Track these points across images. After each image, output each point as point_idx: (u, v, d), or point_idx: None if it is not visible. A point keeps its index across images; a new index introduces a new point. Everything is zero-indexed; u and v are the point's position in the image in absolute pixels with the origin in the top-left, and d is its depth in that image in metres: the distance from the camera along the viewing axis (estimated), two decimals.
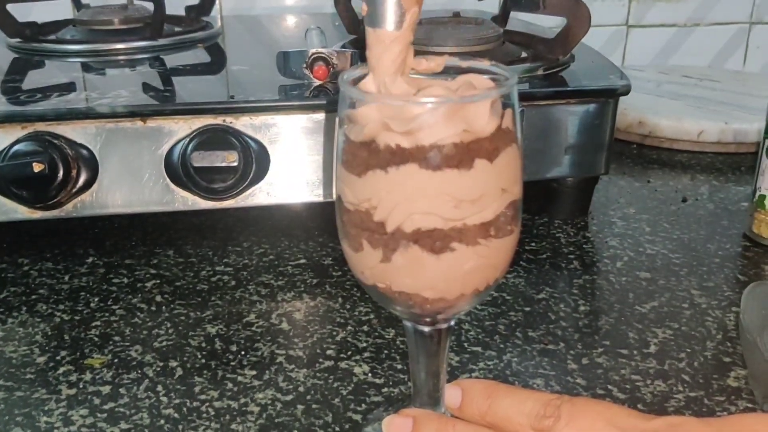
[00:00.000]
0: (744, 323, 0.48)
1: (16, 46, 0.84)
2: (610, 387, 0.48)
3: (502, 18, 0.83)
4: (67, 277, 0.62)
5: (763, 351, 0.45)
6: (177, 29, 0.90)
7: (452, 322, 0.40)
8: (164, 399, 0.47)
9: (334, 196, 0.38)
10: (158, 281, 0.61)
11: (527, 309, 0.57)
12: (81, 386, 0.49)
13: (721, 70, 1.17)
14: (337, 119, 0.37)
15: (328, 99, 0.62)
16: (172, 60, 0.78)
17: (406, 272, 0.36)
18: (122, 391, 0.48)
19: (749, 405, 0.46)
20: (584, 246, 0.67)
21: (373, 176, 0.34)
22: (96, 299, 0.59)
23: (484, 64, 0.37)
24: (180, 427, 0.45)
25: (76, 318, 0.56)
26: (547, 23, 0.87)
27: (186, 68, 0.77)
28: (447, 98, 0.33)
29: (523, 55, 0.74)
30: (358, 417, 0.46)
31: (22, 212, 0.61)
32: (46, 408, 0.46)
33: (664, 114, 0.91)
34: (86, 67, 0.77)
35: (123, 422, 0.45)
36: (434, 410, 0.43)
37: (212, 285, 0.61)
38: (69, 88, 0.67)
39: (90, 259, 0.65)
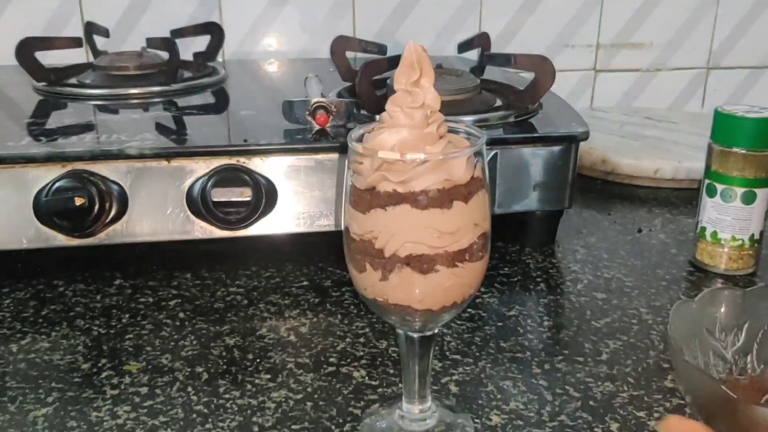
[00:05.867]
0: (671, 333, 0.58)
1: (41, 90, 0.94)
2: (567, 387, 0.58)
3: (479, 69, 0.94)
4: (99, 297, 0.71)
5: (687, 356, 0.54)
6: (186, 74, 1.00)
7: (436, 330, 0.50)
8: (194, 398, 0.56)
9: (343, 228, 0.47)
10: (180, 300, 0.70)
11: (500, 324, 0.67)
12: (122, 387, 0.57)
13: (680, 111, 1.29)
14: (346, 167, 0.46)
15: (329, 142, 0.71)
16: (185, 103, 0.88)
17: (400, 288, 0.45)
18: (158, 391, 0.57)
19: (681, 402, 0.56)
20: (550, 271, 0.77)
21: (374, 213, 0.44)
22: (127, 316, 0.68)
23: (461, 126, 0.47)
24: (210, 419, 0.54)
25: (111, 332, 0.65)
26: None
27: (200, 112, 0.86)
28: (434, 155, 0.43)
29: (498, 102, 0.84)
30: (357, 411, 0.55)
31: (61, 240, 0.70)
32: (94, 405, 0.55)
33: (624, 154, 1.02)
34: (109, 110, 0.87)
35: (161, 416, 0.54)
36: (421, 406, 0.52)
37: (227, 304, 0.70)
38: (101, 130, 0.77)
39: (117, 282, 0.74)
